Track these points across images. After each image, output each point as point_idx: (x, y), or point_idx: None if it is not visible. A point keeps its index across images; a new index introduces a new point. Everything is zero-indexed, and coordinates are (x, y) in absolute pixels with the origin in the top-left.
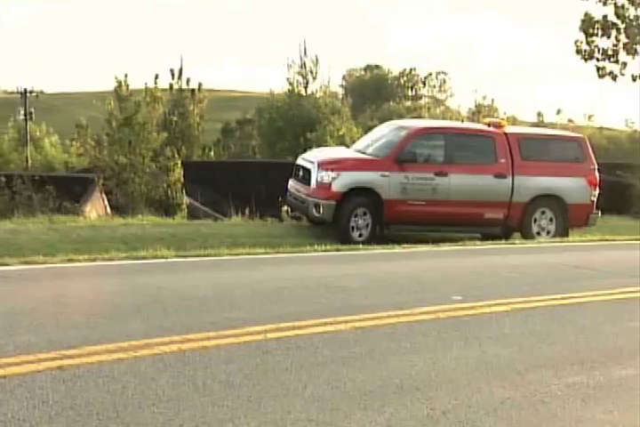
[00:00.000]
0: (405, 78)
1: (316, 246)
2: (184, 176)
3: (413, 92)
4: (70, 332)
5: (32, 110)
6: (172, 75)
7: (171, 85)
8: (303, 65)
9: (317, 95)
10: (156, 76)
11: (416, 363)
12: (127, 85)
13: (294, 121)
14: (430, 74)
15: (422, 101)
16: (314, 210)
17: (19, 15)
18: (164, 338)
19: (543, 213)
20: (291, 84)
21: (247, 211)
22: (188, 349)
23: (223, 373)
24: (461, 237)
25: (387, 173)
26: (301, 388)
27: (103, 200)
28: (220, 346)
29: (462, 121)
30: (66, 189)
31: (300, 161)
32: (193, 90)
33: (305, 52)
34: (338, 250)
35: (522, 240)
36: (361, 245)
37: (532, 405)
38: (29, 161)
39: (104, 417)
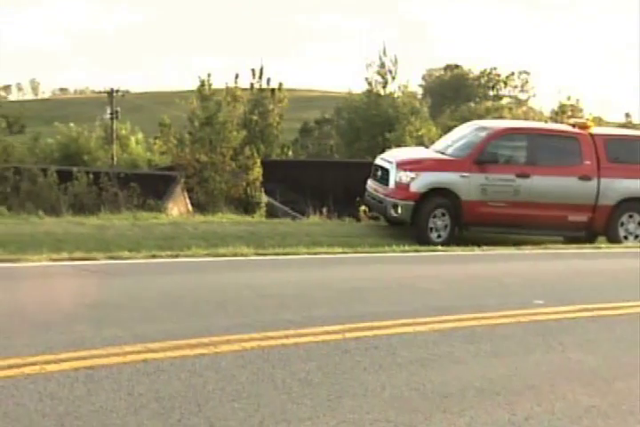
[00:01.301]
0: (486, 78)
1: (394, 247)
2: (263, 175)
3: (494, 92)
4: (154, 326)
5: (118, 109)
6: (253, 74)
7: (251, 85)
8: (382, 65)
9: (396, 95)
10: (236, 76)
11: (497, 367)
12: (209, 85)
13: (373, 121)
14: (512, 73)
15: (503, 102)
16: (392, 210)
17: (119, 20)
18: (244, 335)
19: (631, 216)
20: (369, 83)
21: (325, 210)
22: (267, 346)
23: (302, 371)
24: (543, 239)
25: (466, 174)
26: (380, 388)
27: (185, 198)
28: (299, 344)
29: (546, 121)
30: (149, 187)
31: (378, 161)
32: (273, 89)
33: (384, 52)
34: (417, 251)
35: (608, 244)
36: (440, 247)
37: (619, 414)
38: (115, 159)
39: (186, 411)
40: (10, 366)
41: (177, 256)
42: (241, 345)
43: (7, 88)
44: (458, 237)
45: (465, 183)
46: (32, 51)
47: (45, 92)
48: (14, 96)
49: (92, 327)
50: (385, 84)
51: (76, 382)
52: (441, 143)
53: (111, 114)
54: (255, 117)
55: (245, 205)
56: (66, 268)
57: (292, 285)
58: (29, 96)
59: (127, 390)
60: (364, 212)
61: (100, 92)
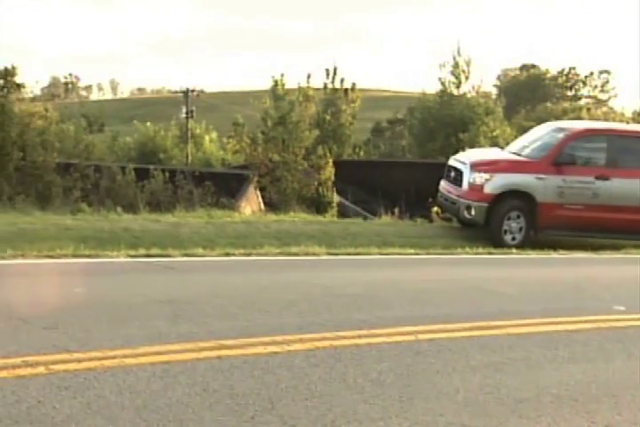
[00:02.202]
0: (564, 78)
1: (467, 249)
2: (335, 174)
3: (573, 93)
4: (228, 323)
5: (193, 109)
6: (327, 74)
7: (325, 85)
8: (456, 65)
9: (470, 95)
10: (309, 76)
11: (574, 373)
12: (283, 85)
13: (446, 121)
14: (592, 73)
15: (582, 102)
16: (465, 212)
17: (195, 21)
18: (316, 334)
19: None
20: (443, 83)
21: (396, 211)
22: (339, 345)
23: (374, 371)
24: (624, 244)
25: (543, 176)
26: (454, 391)
27: (257, 196)
28: (372, 344)
29: (627, 123)
30: (223, 185)
31: (451, 162)
32: (346, 89)
33: (458, 52)
34: (490, 253)
35: None
36: (514, 249)
37: None
38: (189, 157)
39: (260, 408)
40: (90, 359)
41: (250, 255)
42: (313, 344)
43: (88, 88)
44: (533, 241)
45: (541, 185)
46: (112, 51)
47: (124, 92)
48: (95, 96)
49: (168, 323)
50: (459, 85)
51: (153, 377)
52: (516, 144)
53: (186, 113)
54: (328, 117)
55: (317, 205)
56: (142, 264)
57: (364, 284)
58: (109, 96)
59: (202, 386)
60: (437, 213)
61: (176, 92)
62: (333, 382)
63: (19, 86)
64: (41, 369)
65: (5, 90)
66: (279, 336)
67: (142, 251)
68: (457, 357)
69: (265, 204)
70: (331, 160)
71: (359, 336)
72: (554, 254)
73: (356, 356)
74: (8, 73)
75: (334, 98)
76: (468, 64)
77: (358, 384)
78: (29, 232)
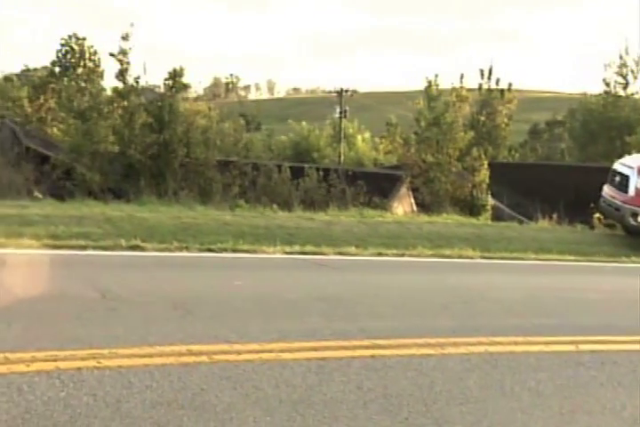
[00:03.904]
0: None
1: (633, 258)
2: (490, 177)
3: None
4: (381, 323)
5: (347, 109)
6: (482, 75)
7: (480, 85)
8: (623, 64)
9: (638, 96)
10: (462, 76)
11: None
12: (437, 85)
13: (610, 124)
14: None
15: None
16: (630, 219)
17: (349, 22)
18: (470, 338)
19: None
20: (607, 84)
21: (555, 216)
22: (495, 351)
23: (532, 380)
24: None
25: None
26: (619, 407)
27: (410, 197)
28: (529, 353)
29: None
30: (375, 185)
31: (616, 166)
32: (502, 90)
33: (627, 51)
34: None
35: None
36: None
37: None
38: (342, 156)
39: (413, 410)
40: (249, 351)
41: (402, 255)
42: (468, 349)
43: (246, 88)
44: None
45: None
46: (269, 52)
47: (280, 92)
48: (252, 96)
49: (323, 319)
50: (626, 85)
51: (309, 372)
52: None
53: (340, 113)
54: (482, 118)
55: (470, 207)
56: (297, 260)
57: (520, 290)
58: (265, 96)
59: (356, 384)
60: (599, 219)
61: (330, 92)
62: (489, 388)
63: (185, 86)
64: (204, 358)
65: (173, 90)
66: (433, 338)
67: (297, 248)
68: (623, 370)
69: (417, 205)
70: (486, 162)
71: (515, 343)
72: None
73: (513, 363)
74: (176, 74)
75: (489, 98)
76: (637, 63)
77: (515, 393)
78: (192, 226)
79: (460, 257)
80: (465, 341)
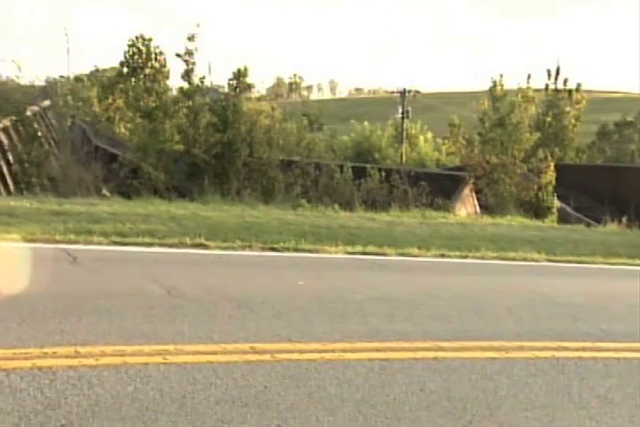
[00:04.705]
0: None
1: None
2: (556, 179)
3: None
4: (443, 325)
5: (409, 109)
6: (549, 75)
7: (546, 86)
8: None
9: None
10: (529, 77)
11: None
12: (502, 86)
13: None
14: None
15: None
16: None
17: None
18: (536, 343)
19: None
20: None
21: (624, 219)
22: (562, 357)
23: (601, 387)
24: None
25: None
26: None
27: (473, 199)
28: (597, 359)
29: None
30: (438, 186)
31: None
32: (570, 90)
33: None
34: None
35: None
36: None
37: None
38: (403, 157)
39: (477, 414)
40: (311, 351)
41: (466, 257)
42: (533, 353)
43: (309, 88)
44: None
45: None
46: (332, 52)
47: (342, 92)
48: (314, 96)
49: (385, 320)
50: None
51: (371, 372)
52: None
53: (402, 113)
54: (549, 119)
55: (535, 210)
56: (359, 261)
57: (588, 294)
58: (328, 96)
59: (419, 386)
60: None
61: (393, 93)
62: (556, 394)
63: (249, 86)
64: (267, 357)
65: (237, 90)
66: (497, 342)
67: (359, 248)
68: None
69: (480, 206)
70: (552, 164)
71: (583, 349)
72: None
73: (580, 369)
74: (240, 74)
75: (556, 99)
76: None
77: (583, 399)
78: (255, 225)
79: (524, 260)
80: (530, 345)
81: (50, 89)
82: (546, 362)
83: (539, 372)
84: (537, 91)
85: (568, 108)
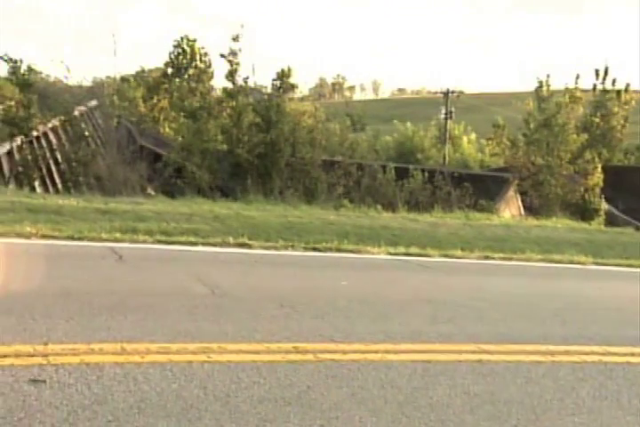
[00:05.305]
0: None
1: None
2: (603, 181)
3: None
4: (487, 327)
5: (453, 110)
6: (597, 75)
7: (594, 86)
8: None
9: None
10: (577, 77)
11: None
12: (548, 86)
13: None
14: None
15: None
16: None
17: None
18: (584, 347)
19: None
20: None
21: None
22: (610, 362)
23: None
24: None
25: None
26: None
27: (517, 200)
28: None
29: None
30: (481, 187)
31: None
32: (619, 91)
33: None
34: None
35: None
36: None
37: None
38: (446, 158)
39: (522, 418)
40: (354, 351)
41: (510, 259)
42: (581, 358)
43: (352, 89)
44: None
45: None
46: (375, 53)
47: (385, 93)
48: (357, 96)
49: (428, 322)
50: None
51: (414, 374)
52: None
53: (446, 114)
54: (597, 120)
55: (582, 212)
56: (401, 262)
57: (634, 299)
58: (370, 96)
59: (463, 389)
60: None
61: (436, 93)
62: (604, 399)
63: (292, 87)
64: (310, 357)
65: (281, 90)
66: (543, 346)
67: (401, 249)
68: None
69: (525, 208)
70: (599, 165)
71: (632, 354)
72: None
73: (629, 375)
74: (284, 74)
75: (604, 100)
76: None
77: (633, 405)
78: (297, 225)
79: (570, 263)
80: (577, 349)
81: (97, 89)
82: (593, 367)
83: (586, 376)
84: (584, 91)
85: (616, 109)
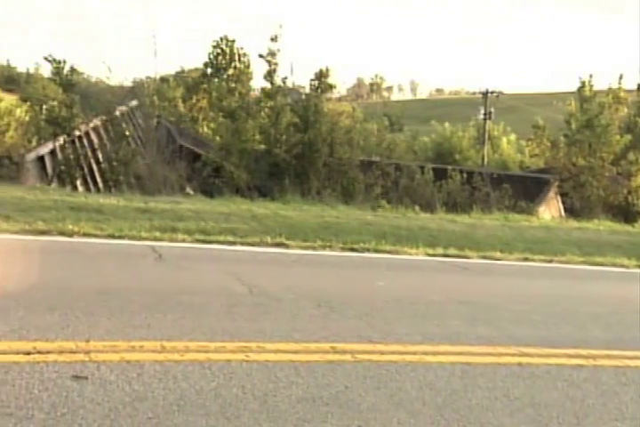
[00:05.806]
0: None
1: None
2: None
3: None
4: (527, 330)
5: (492, 110)
6: None
7: (638, 86)
8: None
9: None
10: (620, 77)
11: None
12: (591, 86)
13: None
14: None
15: None
16: None
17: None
18: (626, 351)
19: None
20: None
21: None
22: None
23: None
24: None
25: None
26: None
27: (557, 202)
28: None
29: None
30: (521, 189)
31: None
32: None
33: None
34: None
35: None
36: None
37: None
38: (485, 159)
39: (564, 422)
40: (392, 352)
41: (551, 261)
42: (623, 362)
43: (389, 89)
44: None
45: None
46: (413, 53)
47: (423, 93)
48: (395, 96)
49: (467, 324)
50: None
51: (453, 376)
52: None
53: (485, 114)
54: None
55: (625, 214)
56: (439, 263)
57: None
58: (408, 96)
59: (502, 392)
60: None
61: (475, 93)
62: None
63: (330, 87)
64: (347, 357)
65: (319, 90)
66: (584, 349)
67: (439, 250)
68: None
69: (565, 210)
70: None
71: None
72: None
73: None
74: (322, 75)
75: None
76: None
77: None
78: (334, 225)
79: (613, 266)
80: (620, 354)
81: (137, 89)
82: (636, 371)
83: (629, 381)
84: (628, 91)
85: None
